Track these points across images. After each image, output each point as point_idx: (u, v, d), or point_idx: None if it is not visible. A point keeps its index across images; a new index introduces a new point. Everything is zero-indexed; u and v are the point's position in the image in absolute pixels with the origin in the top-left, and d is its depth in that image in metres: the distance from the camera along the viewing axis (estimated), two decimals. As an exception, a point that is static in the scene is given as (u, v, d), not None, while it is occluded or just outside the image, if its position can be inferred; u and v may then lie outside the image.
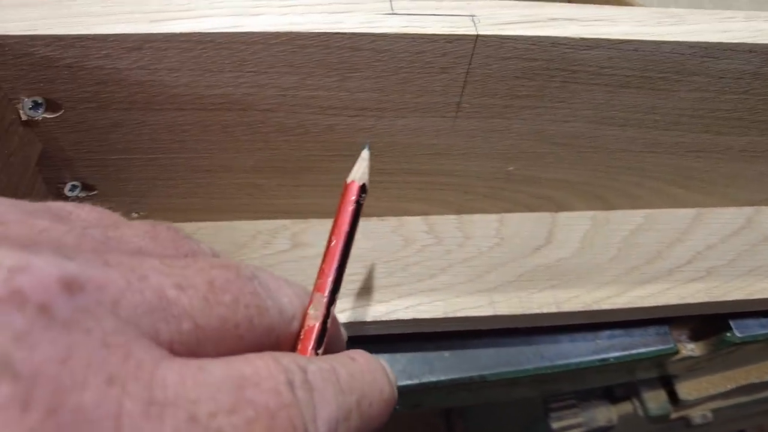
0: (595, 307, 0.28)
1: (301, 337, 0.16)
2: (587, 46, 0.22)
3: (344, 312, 0.27)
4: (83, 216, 0.15)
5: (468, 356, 0.32)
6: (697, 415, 0.46)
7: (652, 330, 0.34)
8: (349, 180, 0.20)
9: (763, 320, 0.35)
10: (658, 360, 0.35)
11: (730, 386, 0.41)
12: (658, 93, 0.25)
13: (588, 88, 0.24)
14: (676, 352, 0.34)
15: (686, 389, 0.43)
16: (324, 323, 0.16)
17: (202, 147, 0.25)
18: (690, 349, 0.37)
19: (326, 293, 0.17)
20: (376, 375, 0.16)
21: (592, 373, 0.34)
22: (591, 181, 0.30)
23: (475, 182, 0.29)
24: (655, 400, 0.45)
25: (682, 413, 0.46)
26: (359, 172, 0.20)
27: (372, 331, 0.28)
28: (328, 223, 0.31)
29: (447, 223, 0.31)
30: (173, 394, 0.11)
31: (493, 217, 0.31)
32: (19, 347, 0.10)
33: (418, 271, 0.29)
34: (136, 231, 0.15)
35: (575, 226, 0.32)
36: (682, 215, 0.33)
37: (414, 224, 0.31)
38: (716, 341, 0.35)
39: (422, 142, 0.26)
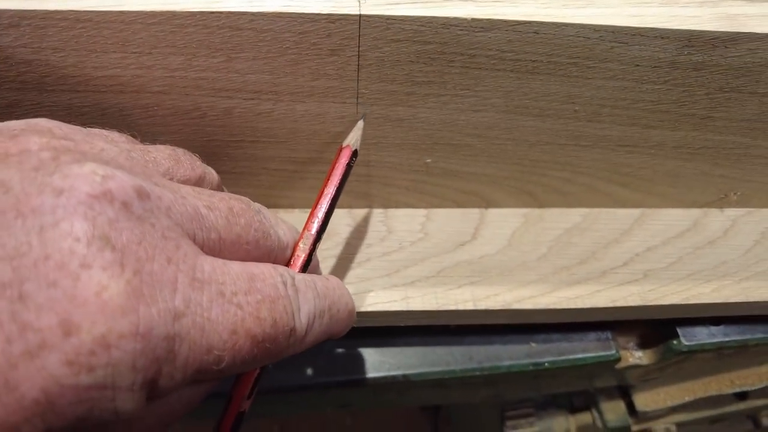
0: (516, 306, 0.27)
1: (291, 262, 0.20)
2: (482, 28, 0.21)
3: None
4: (117, 139, 0.19)
5: (393, 354, 0.31)
6: (660, 428, 0.44)
7: (592, 335, 0.33)
8: (344, 144, 0.23)
9: (712, 328, 0.34)
10: (602, 367, 0.33)
11: (688, 398, 0.39)
12: (572, 80, 0.24)
13: (492, 74, 0.23)
14: (618, 359, 0.33)
15: (643, 400, 0.41)
16: (309, 255, 0.21)
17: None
18: (638, 357, 0.35)
19: (314, 232, 0.21)
20: (343, 292, 0.21)
21: (529, 378, 0.33)
22: (516, 176, 0.29)
23: (393, 174, 0.28)
24: (613, 412, 0.43)
25: (644, 426, 0.44)
26: (353, 138, 0.23)
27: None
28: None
29: (372, 216, 0.30)
30: (208, 276, 0.15)
31: (420, 211, 0.30)
32: (112, 229, 0.14)
33: (333, 263, 0.28)
34: (163, 154, 0.19)
35: (505, 223, 0.30)
36: (623, 215, 0.32)
37: (338, 217, 0.30)
38: (663, 349, 0.34)
39: (328, 130, 0.25)
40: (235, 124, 0.24)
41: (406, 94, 0.24)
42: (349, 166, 0.23)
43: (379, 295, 0.27)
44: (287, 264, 0.20)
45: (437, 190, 0.29)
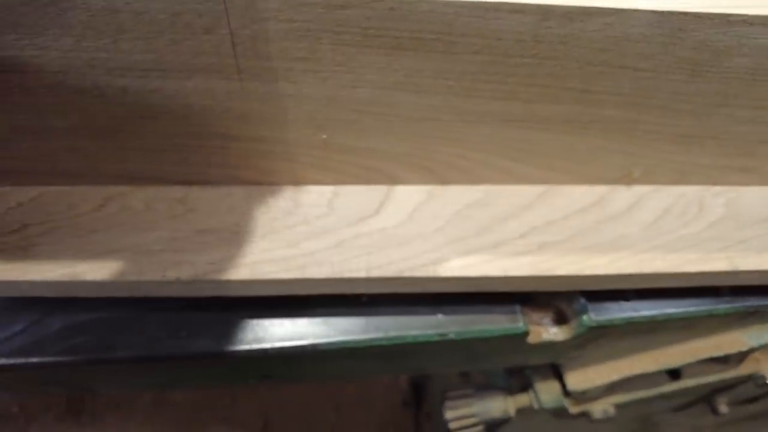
0: (407, 273, 0.28)
1: None
2: (340, 6, 0.23)
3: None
4: None
5: (304, 325, 0.32)
6: (597, 409, 0.44)
7: (500, 308, 0.34)
8: None
9: (623, 304, 0.34)
10: (511, 341, 0.34)
11: (615, 377, 0.40)
12: (440, 56, 0.25)
13: (361, 50, 0.24)
14: (525, 333, 0.34)
15: (574, 380, 0.41)
16: None
17: (11, 109, 0.27)
18: (552, 332, 0.36)
19: None
20: None
21: (439, 349, 0.34)
22: (410, 152, 0.30)
23: (295, 150, 0.30)
24: (547, 392, 0.43)
25: (583, 408, 0.44)
26: None
27: (193, 293, 0.29)
28: (164, 190, 0.32)
29: (281, 192, 0.32)
30: None
31: (328, 188, 0.32)
32: None
33: (230, 237, 0.30)
34: None
35: (408, 198, 0.32)
36: (526, 192, 0.33)
37: (245, 193, 0.32)
38: (576, 325, 0.34)
39: (220, 105, 0.27)
40: (132, 101, 0.26)
41: (286, 70, 0.25)
42: None
43: (278, 264, 0.29)
44: None
45: (341, 167, 0.31)
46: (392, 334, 0.32)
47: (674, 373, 0.43)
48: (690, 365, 0.41)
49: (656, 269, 0.30)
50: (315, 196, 0.32)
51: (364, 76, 0.26)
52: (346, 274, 0.28)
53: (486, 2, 0.23)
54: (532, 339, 0.35)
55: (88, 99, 0.26)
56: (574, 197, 0.33)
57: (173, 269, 0.28)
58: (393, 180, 0.32)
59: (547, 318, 0.36)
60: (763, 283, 0.33)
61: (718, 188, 0.35)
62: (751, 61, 0.27)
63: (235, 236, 0.30)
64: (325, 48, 0.24)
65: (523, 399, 0.45)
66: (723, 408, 0.54)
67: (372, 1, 0.22)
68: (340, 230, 0.30)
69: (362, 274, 0.28)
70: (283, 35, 0.24)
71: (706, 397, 0.53)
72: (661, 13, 0.24)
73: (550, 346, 0.35)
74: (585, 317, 0.34)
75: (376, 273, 0.28)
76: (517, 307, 0.34)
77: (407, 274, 0.29)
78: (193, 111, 0.27)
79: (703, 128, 0.30)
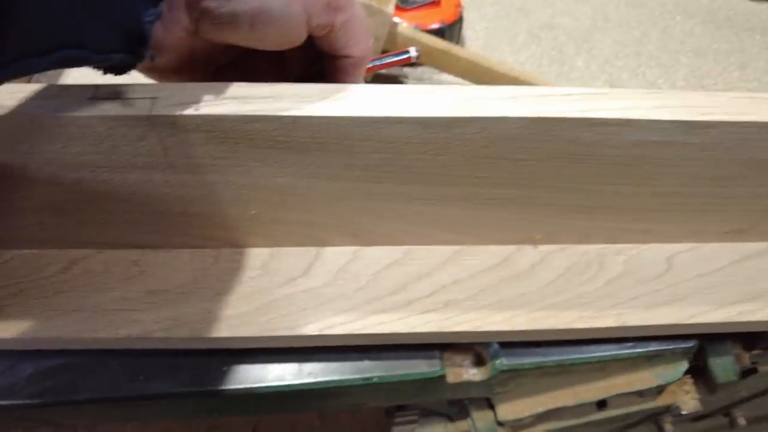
0: (327, 332, 0.33)
1: None
2: (250, 120, 0.27)
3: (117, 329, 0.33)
4: None
5: (241, 371, 0.37)
6: (530, 436, 0.48)
7: (421, 354, 0.38)
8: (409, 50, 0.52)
9: (534, 349, 0.38)
10: (432, 382, 0.38)
11: (540, 409, 0.44)
12: (343, 154, 0.29)
13: (274, 152, 0.29)
14: (443, 376, 0.38)
15: (503, 411, 0.45)
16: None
17: (-13, 194, 0.31)
18: (472, 373, 0.40)
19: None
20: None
21: (369, 390, 0.38)
22: (335, 222, 0.34)
23: (230, 222, 0.34)
24: (483, 420, 0.47)
25: (516, 434, 0.48)
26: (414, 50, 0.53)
27: (143, 347, 0.34)
28: (121, 253, 0.36)
29: (221, 255, 0.36)
30: None
31: (265, 250, 0.36)
32: None
33: (175, 298, 0.34)
34: None
35: (335, 259, 0.36)
36: (440, 252, 0.37)
37: (190, 255, 0.36)
38: (491, 368, 0.39)
39: (158, 190, 0.31)
40: (86, 188, 0.31)
41: (211, 165, 0.30)
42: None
43: (215, 323, 0.33)
44: None
45: (274, 233, 0.35)
46: (321, 378, 0.36)
47: (601, 403, 0.47)
48: (612, 397, 0.45)
49: (549, 326, 0.34)
50: (251, 259, 0.36)
51: (281, 169, 0.30)
52: (270, 333, 0.33)
53: (373, 117, 0.27)
54: (452, 379, 0.39)
55: (47, 187, 0.31)
56: (483, 257, 0.37)
57: (125, 327, 0.33)
58: (323, 242, 0.36)
59: (467, 360, 0.40)
60: (656, 335, 0.37)
61: (619, 246, 0.38)
62: (620, 151, 0.30)
63: (180, 296, 0.34)
64: (243, 150, 0.28)
65: (462, 425, 0.49)
66: (668, 427, 0.58)
67: (276, 118, 0.27)
68: (270, 290, 0.35)
69: (286, 333, 0.33)
70: (204, 141, 0.28)
71: (651, 418, 0.56)
72: (530, 119, 0.28)
73: (472, 384, 0.40)
74: (497, 362, 0.38)
75: (298, 331, 0.33)
76: (437, 353, 0.38)
77: (326, 332, 0.33)
78: (138, 196, 0.31)
79: (593, 201, 0.34)
